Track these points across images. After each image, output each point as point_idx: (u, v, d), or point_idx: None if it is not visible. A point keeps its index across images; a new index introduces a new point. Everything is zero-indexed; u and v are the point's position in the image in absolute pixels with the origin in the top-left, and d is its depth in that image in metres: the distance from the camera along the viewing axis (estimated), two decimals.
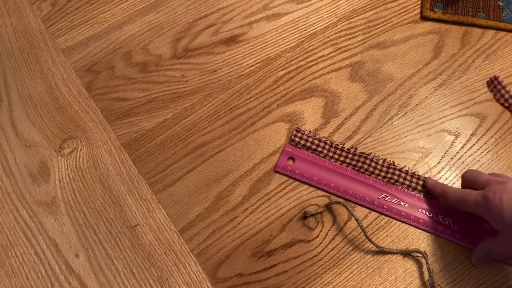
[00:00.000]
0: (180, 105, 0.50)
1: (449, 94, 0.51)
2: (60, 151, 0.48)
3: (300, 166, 0.46)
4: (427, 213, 0.45)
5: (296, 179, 0.46)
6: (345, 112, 0.50)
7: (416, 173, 0.47)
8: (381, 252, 0.43)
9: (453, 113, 0.50)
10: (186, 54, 0.53)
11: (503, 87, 0.50)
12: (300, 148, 0.48)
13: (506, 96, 0.50)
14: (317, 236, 0.44)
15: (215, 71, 0.52)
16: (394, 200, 0.45)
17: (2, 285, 0.42)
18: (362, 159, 0.47)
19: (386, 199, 0.45)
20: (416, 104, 0.50)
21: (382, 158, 0.47)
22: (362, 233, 0.43)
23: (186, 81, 0.52)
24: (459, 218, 0.44)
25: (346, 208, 0.43)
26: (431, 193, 0.45)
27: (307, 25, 0.55)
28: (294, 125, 0.49)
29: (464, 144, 0.48)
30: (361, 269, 0.43)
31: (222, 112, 0.50)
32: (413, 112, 0.50)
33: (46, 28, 0.55)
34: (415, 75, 0.52)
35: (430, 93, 0.51)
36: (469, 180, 0.43)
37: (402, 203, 0.45)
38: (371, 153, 0.47)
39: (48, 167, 0.47)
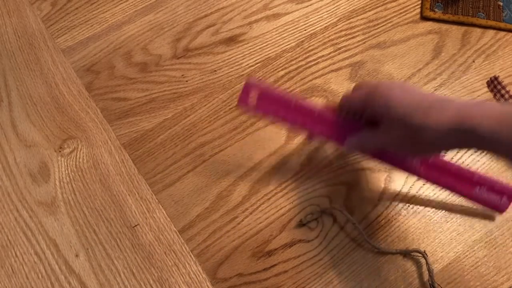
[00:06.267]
0: (180, 105, 0.50)
1: (449, 94, 0.51)
2: (60, 151, 0.48)
3: (263, 104, 0.41)
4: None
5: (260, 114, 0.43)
6: None
7: None
8: (381, 252, 0.43)
9: None
10: (186, 54, 0.53)
11: (503, 87, 0.50)
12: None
13: (506, 96, 0.50)
14: (317, 236, 0.44)
15: (215, 71, 0.52)
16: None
17: (2, 285, 0.42)
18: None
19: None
20: None
21: None
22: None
23: (186, 81, 0.52)
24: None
25: (342, 213, 0.43)
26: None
27: (307, 25, 0.55)
28: None
29: None
30: (361, 269, 0.43)
31: (222, 112, 0.50)
32: None
33: (46, 28, 0.55)
34: (415, 75, 0.52)
35: None
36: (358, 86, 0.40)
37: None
38: None
39: (48, 167, 0.47)
